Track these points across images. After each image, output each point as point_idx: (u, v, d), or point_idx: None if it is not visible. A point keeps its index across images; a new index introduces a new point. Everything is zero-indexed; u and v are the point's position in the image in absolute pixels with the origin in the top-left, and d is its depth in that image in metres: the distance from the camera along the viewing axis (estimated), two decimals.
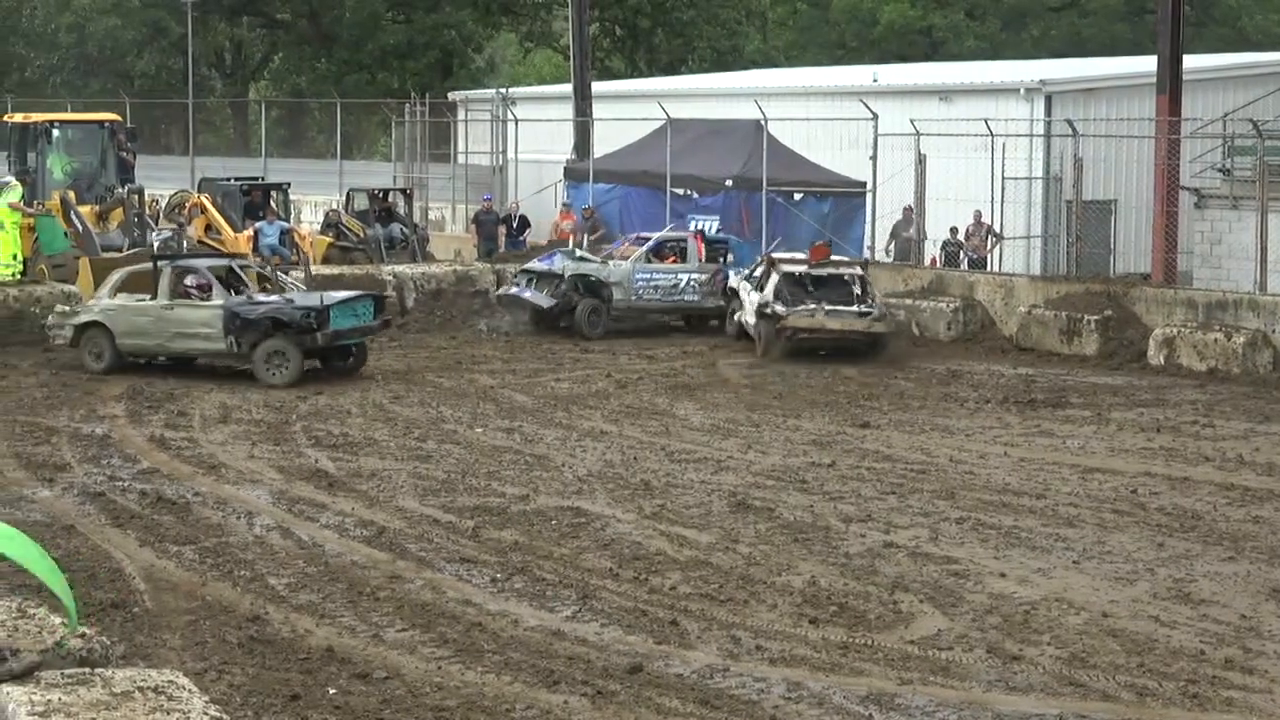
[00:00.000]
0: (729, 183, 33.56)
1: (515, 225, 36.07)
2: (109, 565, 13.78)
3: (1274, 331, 24.51)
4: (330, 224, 33.67)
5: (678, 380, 24.15)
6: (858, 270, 27.20)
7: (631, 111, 38.01)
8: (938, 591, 13.19)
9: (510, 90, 45.09)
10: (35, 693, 7.12)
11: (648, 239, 29.65)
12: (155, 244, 29.33)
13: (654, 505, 16.07)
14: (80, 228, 29.57)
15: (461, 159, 42.67)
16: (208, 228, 32.18)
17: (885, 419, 21.05)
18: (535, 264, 29.18)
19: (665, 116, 34.64)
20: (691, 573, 13.68)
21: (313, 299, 23.57)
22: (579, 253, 30.05)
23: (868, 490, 16.83)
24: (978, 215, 31.30)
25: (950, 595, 13.09)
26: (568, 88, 40.96)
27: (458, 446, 19.01)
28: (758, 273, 27.62)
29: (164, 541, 14.66)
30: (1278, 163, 27.76)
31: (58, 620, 8.23)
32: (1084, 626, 12.32)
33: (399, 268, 30.80)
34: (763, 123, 33.30)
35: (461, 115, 45.30)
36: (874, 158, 30.81)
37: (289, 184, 35.35)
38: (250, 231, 31.38)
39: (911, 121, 30.43)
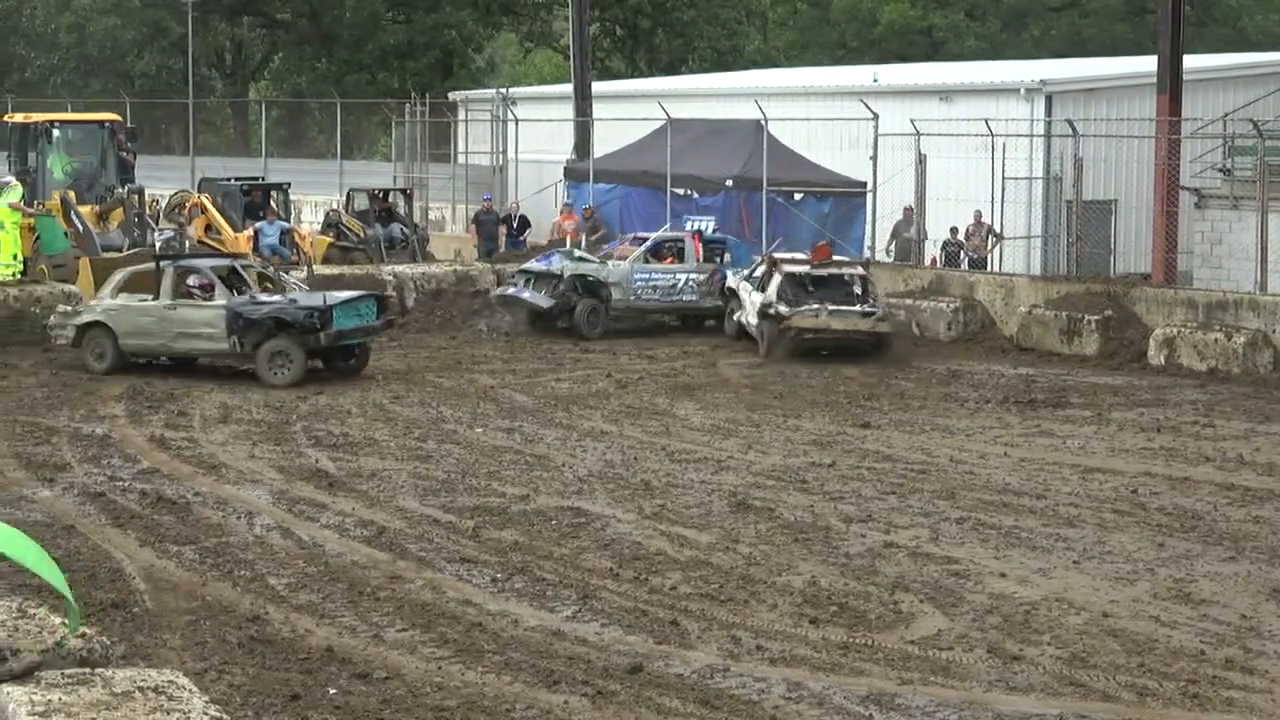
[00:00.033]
0: (729, 183, 33.56)
1: (515, 225, 36.07)
2: (109, 565, 13.79)
3: (1274, 331, 24.51)
4: (330, 224, 33.67)
5: (678, 380, 24.15)
6: (859, 270, 27.22)
7: (632, 111, 38.01)
8: (938, 591, 13.19)
9: (510, 90, 45.10)
10: (35, 693, 7.12)
11: (645, 239, 29.65)
12: (158, 244, 29.33)
13: (654, 505, 16.07)
14: (80, 228, 29.57)
15: (462, 159, 42.67)
16: (208, 228, 32.19)
17: (886, 419, 21.05)
18: (533, 264, 29.17)
19: (665, 116, 34.64)
20: (692, 573, 13.68)
21: (316, 299, 23.56)
22: (577, 253, 30.05)
23: (868, 490, 16.83)
24: (978, 215, 31.30)
25: (950, 595, 13.09)
26: (568, 88, 40.96)
27: (458, 446, 19.01)
28: (758, 273, 27.62)
29: (164, 541, 14.66)
30: (1278, 163, 27.74)
31: (58, 620, 8.23)
32: (1084, 626, 12.32)
33: (399, 268, 30.79)
34: (763, 123, 33.30)
35: (462, 115, 45.31)
36: (874, 158, 30.80)
37: (289, 184, 35.35)
38: (250, 231, 31.39)
39: (912, 121, 30.43)
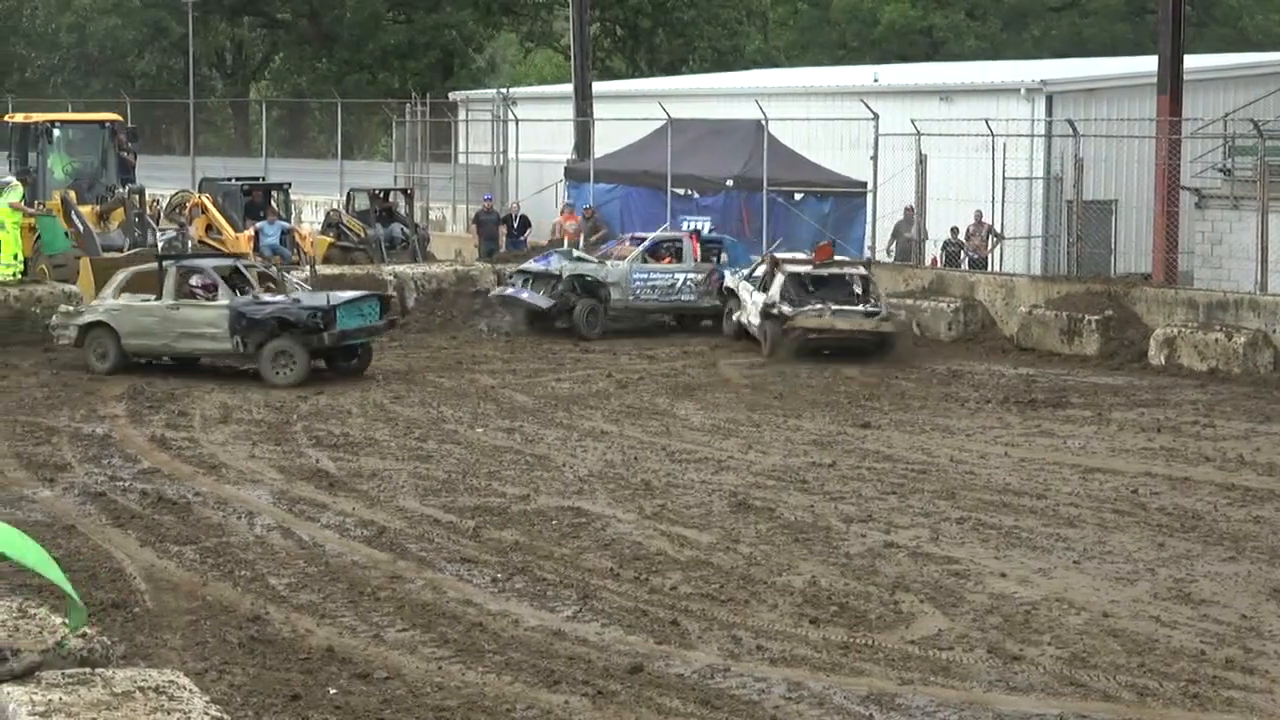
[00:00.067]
0: (730, 183, 33.56)
1: (516, 225, 36.07)
2: (110, 565, 13.79)
3: (1275, 331, 24.51)
4: (331, 224, 33.68)
5: (678, 380, 24.15)
6: (861, 270, 27.23)
7: (632, 111, 38.01)
8: (938, 591, 13.19)
9: (511, 90, 45.09)
10: (36, 693, 7.12)
11: (643, 239, 29.65)
12: (161, 244, 29.33)
13: (655, 505, 16.07)
14: (81, 228, 29.57)
15: (462, 159, 42.67)
16: (208, 228, 32.21)
17: (886, 419, 21.05)
18: (531, 264, 29.16)
19: (666, 116, 34.64)
20: (692, 573, 13.68)
21: (319, 299, 23.56)
22: (576, 253, 30.04)
23: (868, 490, 16.83)
24: (978, 215, 31.30)
25: (951, 595, 13.09)
26: (568, 88, 40.96)
27: (458, 446, 19.01)
28: (758, 273, 27.62)
29: (165, 541, 14.66)
30: (1278, 163, 27.74)
31: (58, 620, 8.23)
32: (1084, 626, 12.32)
33: (400, 268, 30.80)
34: (763, 123, 33.30)
35: (462, 115, 45.31)
36: (875, 158, 30.80)
37: (290, 184, 35.37)
38: (251, 231, 31.40)
39: (912, 121, 30.43)
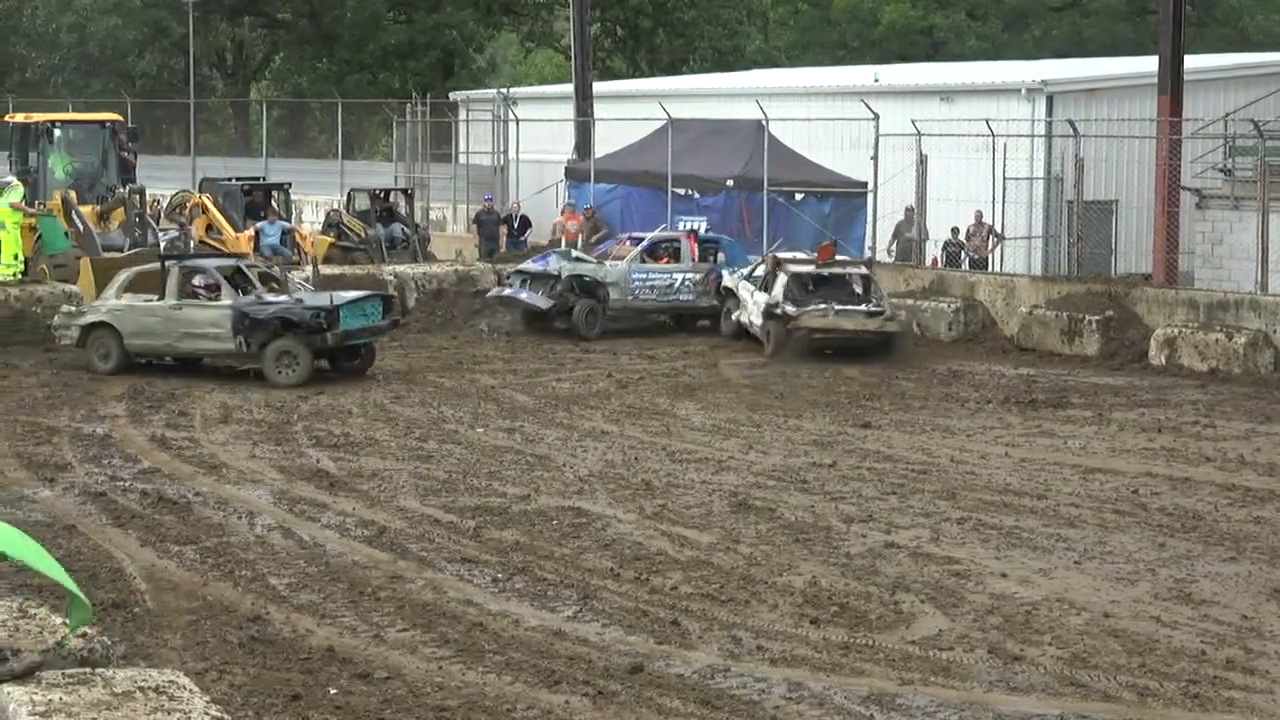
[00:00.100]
0: (730, 183, 33.57)
1: (516, 225, 36.07)
2: (110, 565, 13.79)
3: (1275, 332, 24.50)
4: (331, 224, 33.68)
5: (679, 380, 24.15)
6: (863, 270, 27.24)
7: (633, 111, 38.02)
8: (939, 592, 13.19)
9: (511, 90, 45.09)
10: (36, 693, 7.12)
11: (641, 239, 29.63)
12: (163, 244, 29.32)
13: (655, 505, 16.07)
14: (81, 228, 29.56)
15: (463, 159, 42.68)
16: (209, 228, 32.21)
17: (886, 419, 21.05)
18: (530, 265, 29.14)
19: (666, 117, 34.64)
20: (692, 573, 13.68)
21: (322, 299, 23.55)
22: (574, 253, 30.02)
23: (869, 490, 16.83)
24: (979, 215, 31.30)
25: (951, 595, 13.09)
26: (569, 88, 40.96)
27: (459, 446, 19.01)
28: (758, 272, 27.63)
29: (165, 541, 14.66)
30: (1279, 163, 27.74)
31: (58, 620, 8.23)
32: (1085, 627, 12.32)
33: (400, 268, 30.80)
34: (764, 123, 33.30)
35: (463, 115, 45.31)
36: (875, 158, 30.80)
37: (290, 184, 35.37)
38: (251, 231, 31.40)
39: (913, 122, 30.42)
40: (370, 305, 23.96)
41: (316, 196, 42.23)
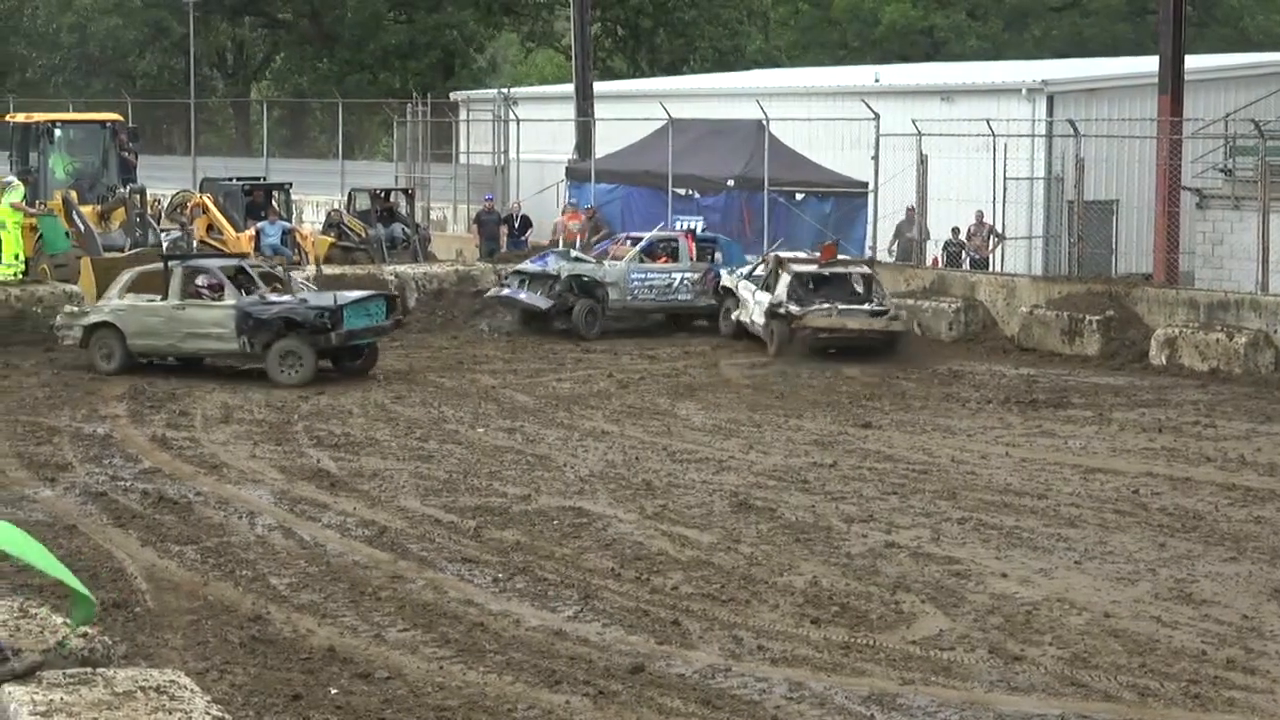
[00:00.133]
0: (731, 183, 33.57)
1: (517, 225, 36.08)
2: (111, 565, 13.79)
3: (1276, 332, 24.50)
4: (332, 224, 33.69)
5: (679, 380, 24.15)
6: (865, 269, 27.26)
7: (633, 111, 38.03)
8: (939, 592, 13.19)
9: (512, 90, 45.10)
10: (37, 692, 7.12)
11: (639, 239, 29.62)
12: (166, 244, 29.32)
13: (656, 505, 16.07)
14: (82, 228, 29.57)
15: (463, 159, 42.69)
16: (209, 228, 32.22)
17: (887, 419, 21.05)
18: (528, 265, 29.11)
19: (667, 116, 34.64)
20: (693, 573, 13.68)
21: (326, 299, 23.54)
22: (573, 253, 30.00)
23: (869, 490, 16.83)
24: (979, 215, 31.30)
25: (952, 595, 13.09)
26: (569, 88, 40.97)
27: (459, 446, 19.01)
28: (758, 272, 27.63)
29: (166, 541, 14.67)
30: (1279, 163, 27.74)
31: (59, 620, 8.23)
32: (1086, 627, 12.32)
33: (401, 268, 30.81)
34: (764, 123, 33.30)
35: (463, 115, 45.31)
36: (876, 158, 30.80)
37: (291, 184, 35.37)
38: (252, 231, 31.40)
39: (913, 122, 30.42)
40: (374, 305, 23.96)
41: (317, 196, 42.23)
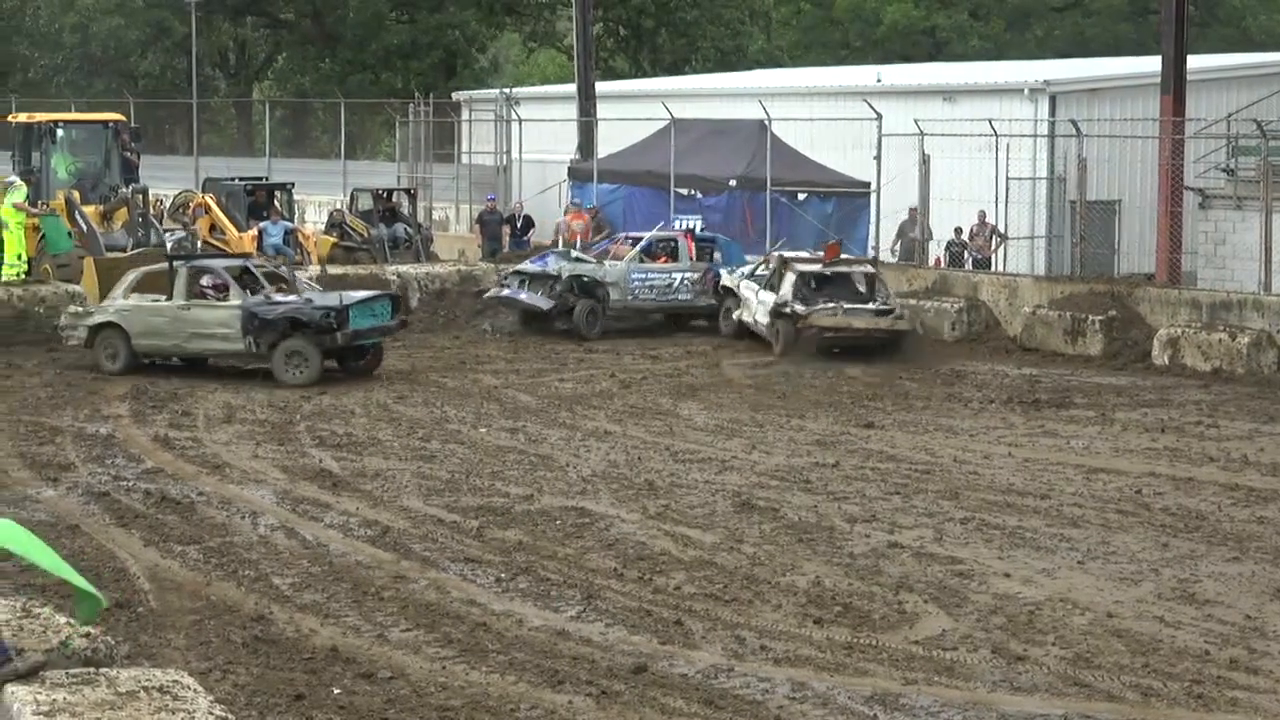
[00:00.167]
0: (733, 183, 33.57)
1: (519, 225, 36.08)
2: (113, 565, 13.79)
3: (1278, 332, 24.48)
4: (334, 224, 33.69)
5: (681, 380, 24.15)
6: (868, 269, 27.26)
7: (635, 111, 38.03)
8: (942, 592, 13.18)
9: (514, 90, 45.11)
10: (40, 692, 7.13)
11: (638, 239, 29.60)
12: (170, 244, 29.34)
13: (658, 505, 16.06)
14: (84, 228, 29.57)
15: (465, 159, 42.70)
16: (212, 228, 32.24)
17: (889, 419, 21.04)
18: (528, 265, 29.08)
19: (669, 116, 34.63)
20: (696, 573, 13.68)
21: (331, 299, 23.54)
22: (574, 253, 29.98)
23: (872, 490, 16.83)
24: (982, 215, 31.29)
25: (955, 595, 13.09)
26: (571, 88, 40.99)
27: (462, 446, 19.01)
28: (760, 271, 27.63)
29: (168, 541, 14.67)
30: None
31: (63, 619, 8.24)
32: (1089, 627, 12.32)
33: (403, 268, 30.80)
34: (766, 123, 33.30)
35: (465, 115, 45.33)
36: (878, 158, 30.79)
37: (293, 184, 35.39)
38: (255, 231, 31.41)
39: (915, 122, 30.41)
40: (379, 305, 23.96)
41: (319, 196, 42.24)
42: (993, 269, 30.66)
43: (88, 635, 8.04)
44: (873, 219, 31.45)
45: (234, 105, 72.10)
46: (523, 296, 28.25)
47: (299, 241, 31.87)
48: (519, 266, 29.31)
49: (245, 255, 26.97)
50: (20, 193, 28.24)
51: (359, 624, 12.26)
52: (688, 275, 28.86)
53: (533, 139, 39.68)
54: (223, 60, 75.32)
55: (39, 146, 33.26)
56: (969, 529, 15.26)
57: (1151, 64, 31.63)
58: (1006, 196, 30.08)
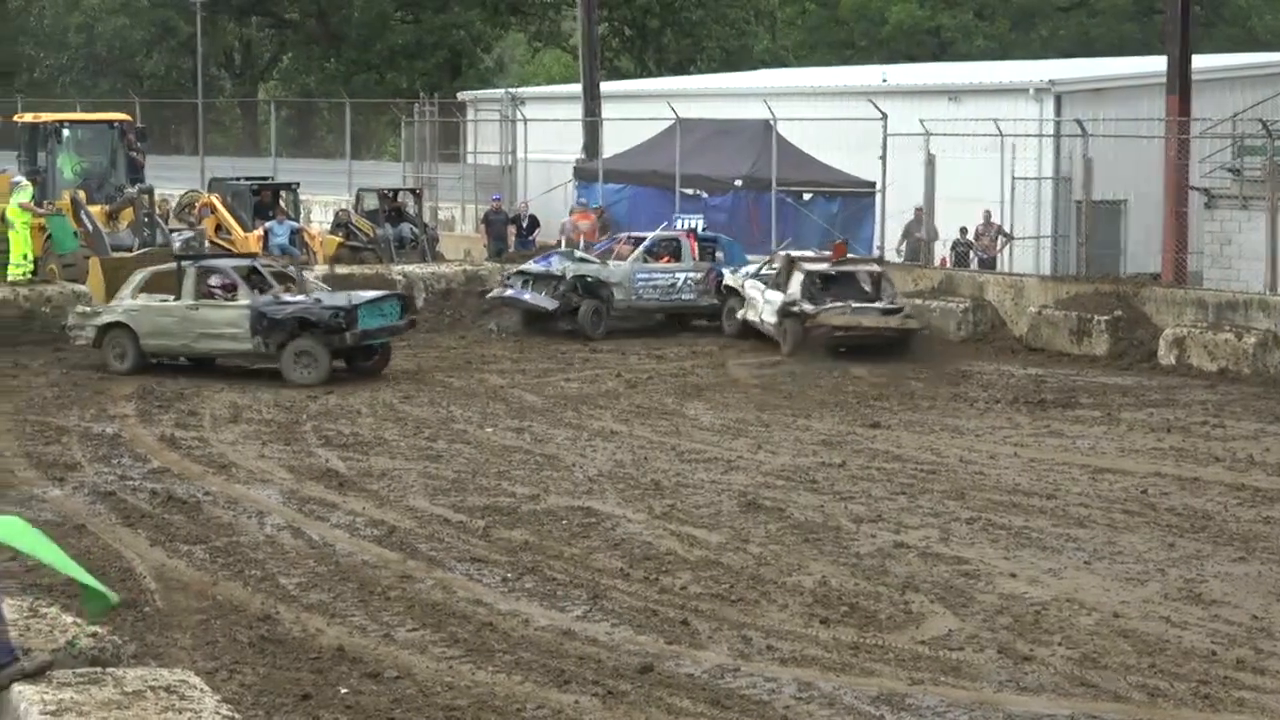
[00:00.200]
0: (738, 183, 33.56)
1: (525, 225, 36.08)
2: (120, 565, 13.80)
3: None
4: (340, 224, 33.72)
5: (687, 380, 24.14)
6: (875, 268, 27.25)
7: (640, 111, 38.02)
8: (948, 592, 13.18)
9: (519, 90, 45.15)
10: (47, 692, 7.14)
11: (641, 239, 29.59)
12: (178, 244, 29.36)
13: (664, 505, 16.06)
14: (90, 227, 29.60)
15: (471, 159, 42.72)
16: (218, 227, 32.26)
17: (895, 419, 21.03)
18: (532, 265, 29.05)
19: (674, 116, 34.62)
20: (702, 572, 13.68)
21: (340, 299, 23.54)
22: (577, 254, 29.96)
23: (878, 490, 16.82)
24: (987, 215, 31.27)
25: (961, 595, 13.08)
26: (577, 87, 41.00)
27: (468, 446, 19.01)
28: (764, 270, 27.62)
29: (175, 541, 14.68)
30: None
31: (69, 619, 8.24)
32: (1095, 627, 12.31)
33: (409, 267, 30.81)
34: (772, 123, 33.29)
35: (470, 115, 45.34)
36: (883, 158, 30.77)
37: (298, 184, 35.40)
38: (260, 231, 31.43)
39: (921, 122, 30.40)
40: (388, 305, 23.96)
41: (325, 196, 42.25)
42: (998, 269, 30.64)
43: (94, 635, 8.05)
44: (878, 219, 31.43)
45: (239, 105, 72.14)
46: (527, 297, 28.24)
47: (304, 241, 31.88)
48: (523, 267, 29.28)
49: (253, 255, 26.98)
50: (26, 193, 28.26)
51: (365, 624, 12.27)
52: (691, 275, 28.86)
53: (538, 139, 39.68)
54: (228, 60, 75.37)
55: (45, 146, 33.29)
56: (975, 529, 15.25)
57: (1157, 64, 31.63)
58: (1012, 196, 30.06)
